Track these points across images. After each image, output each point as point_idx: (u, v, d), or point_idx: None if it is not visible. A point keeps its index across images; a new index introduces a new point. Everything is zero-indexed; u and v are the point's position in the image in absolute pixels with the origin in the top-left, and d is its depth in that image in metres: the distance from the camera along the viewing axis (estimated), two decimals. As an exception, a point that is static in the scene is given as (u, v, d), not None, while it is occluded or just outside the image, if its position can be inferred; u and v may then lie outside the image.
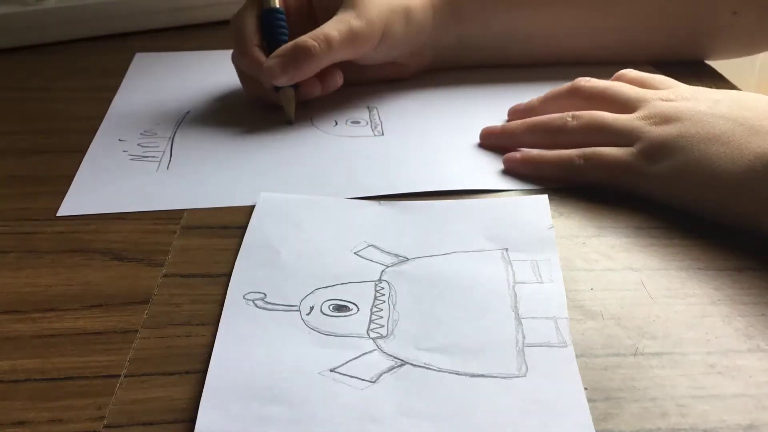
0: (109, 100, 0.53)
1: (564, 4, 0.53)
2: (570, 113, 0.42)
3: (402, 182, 0.42)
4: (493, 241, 0.36)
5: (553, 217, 0.39)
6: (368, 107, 0.51)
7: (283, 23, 0.49)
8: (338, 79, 0.50)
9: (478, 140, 0.47)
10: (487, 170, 0.43)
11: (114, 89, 0.55)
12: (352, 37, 0.46)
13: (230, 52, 0.62)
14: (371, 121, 0.50)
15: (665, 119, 0.39)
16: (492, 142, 0.45)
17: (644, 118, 0.40)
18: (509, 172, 0.43)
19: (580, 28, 0.54)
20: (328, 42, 0.46)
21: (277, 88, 0.48)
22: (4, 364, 0.30)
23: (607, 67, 0.49)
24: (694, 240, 0.37)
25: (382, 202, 0.40)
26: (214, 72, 0.58)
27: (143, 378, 0.29)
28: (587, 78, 0.45)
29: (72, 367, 0.29)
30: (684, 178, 0.37)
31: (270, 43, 0.48)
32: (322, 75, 0.49)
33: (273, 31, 0.48)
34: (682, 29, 0.55)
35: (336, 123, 0.49)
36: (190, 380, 0.29)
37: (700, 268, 0.35)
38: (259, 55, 0.47)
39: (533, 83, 0.54)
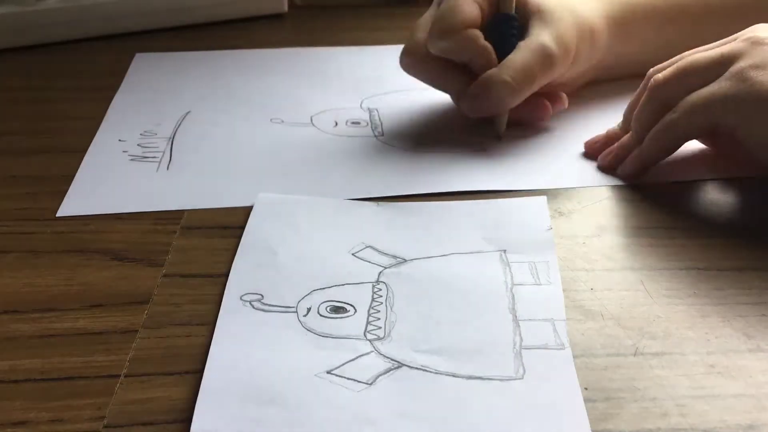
0: (109, 100, 0.53)
1: (708, 22, 0.51)
2: (659, 72, 0.40)
3: (400, 183, 0.42)
4: (491, 242, 0.36)
5: (552, 217, 0.39)
6: (368, 108, 0.51)
7: (515, 32, 0.45)
8: (564, 102, 0.47)
9: (477, 140, 0.47)
10: (486, 171, 0.43)
11: (114, 89, 0.55)
12: (548, 63, 0.43)
13: (230, 52, 0.62)
14: (371, 121, 0.50)
15: (763, 41, 0.37)
16: (612, 157, 0.43)
17: (746, 39, 0.38)
18: (627, 178, 0.41)
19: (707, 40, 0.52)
20: (525, 76, 0.43)
21: None
22: (4, 364, 0.30)
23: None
24: (694, 240, 0.37)
25: (380, 203, 0.40)
26: (214, 72, 0.58)
27: (143, 378, 0.29)
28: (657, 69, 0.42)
29: (72, 367, 0.29)
30: None
31: (499, 49, 0.44)
32: (550, 97, 0.47)
33: (504, 38, 0.44)
34: None
35: (336, 123, 0.49)
36: (189, 380, 0.29)
37: (700, 268, 0.35)
38: (488, 44, 0.43)
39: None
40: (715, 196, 0.41)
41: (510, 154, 0.45)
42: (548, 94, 0.47)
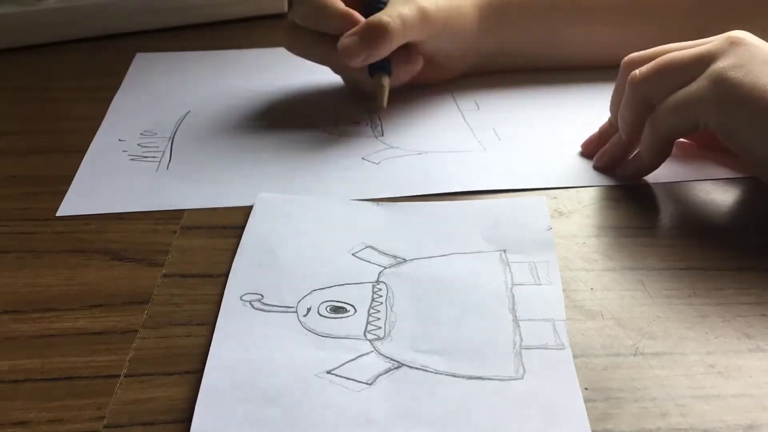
0: (109, 100, 0.53)
1: (600, 15, 0.53)
2: (637, 69, 0.40)
3: (400, 183, 0.42)
4: (491, 242, 0.36)
5: (552, 217, 0.39)
6: (368, 108, 0.51)
7: (382, 6, 0.47)
8: (420, 61, 0.49)
9: (476, 140, 0.47)
10: (486, 171, 0.43)
11: (114, 89, 0.55)
12: (424, 16, 0.46)
13: (230, 52, 0.62)
14: (371, 121, 0.50)
15: (747, 42, 0.37)
16: (607, 158, 0.43)
17: (725, 39, 0.38)
18: (625, 180, 0.41)
19: (614, 39, 0.53)
20: (402, 19, 0.45)
21: (371, 74, 0.47)
22: (4, 364, 0.30)
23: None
24: (694, 240, 0.37)
25: (380, 203, 0.40)
26: (214, 72, 0.58)
27: (143, 378, 0.29)
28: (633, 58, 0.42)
29: (72, 367, 0.29)
30: (762, 102, 0.35)
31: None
32: (405, 59, 0.48)
33: (371, 10, 0.46)
34: None
35: (336, 123, 0.49)
36: (189, 380, 0.29)
37: (700, 268, 0.35)
38: (349, 9, 0.46)
39: (528, 82, 0.54)
40: (715, 196, 0.41)
41: (510, 154, 0.45)
42: (404, 57, 0.48)
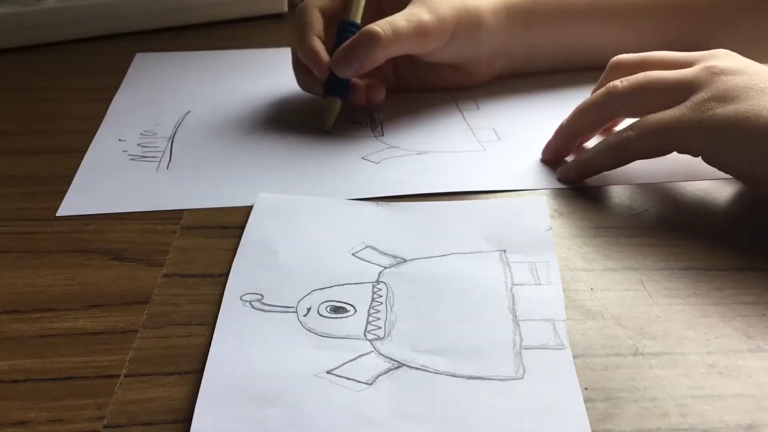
0: (109, 100, 0.53)
1: (623, 19, 0.53)
2: (618, 79, 0.41)
3: (400, 183, 0.42)
4: (491, 242, 0.36)
5: (552, 217, 0.39)
6: (368, 108, 0.51)
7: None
8: (383, 93, 0.49)
9: (476, 140, 0.47)
10: (486, 171, 0.43)
11: (114, 89, 0.55)
12: (421, 29, 0.46)
13: (230, 52, 0.62)
14: (371, 121, 0.50)
15: (729, 71, 0.38)
16: (552, 150, 0.44)
17: (705, 69, 0.39)
18: (568, 182, 0.41)
19: (630, 41, 0.53)
20: (394, 30, 0.45)
21: (325, 93, 0.48)
22: (4, 364, 0.30)
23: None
24: (694, 240, 0.37)
25: (380, 203, 0.40)
26: (214, 72, 0.58)
27: (143, 378, 0.29)
28: (626, 54, 0.43)
29: (72, 367, 0.29)
30: (748, 127, 0.35)
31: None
32: (369, 86, 0.49)
33: (343, 40, 0.47)
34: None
35: (336, 123, 0.49)
36: (189, 380, 0.29)
37: (700, 268, 0.35)
38: (318, 45, 0.47)
39: (528, 82, 0.54)
40: (715, 196, 0.41)
41: (510, 154, 0.45)
42: (371, 84, 0.49)
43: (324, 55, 0.47)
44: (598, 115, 0.42)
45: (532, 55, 0.54)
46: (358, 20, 0.48)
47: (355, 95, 0.49)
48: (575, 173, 0.42)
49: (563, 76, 0.55)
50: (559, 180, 0.42)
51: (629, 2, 0.53)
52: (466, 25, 0.48)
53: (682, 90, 0.38)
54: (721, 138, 0.36)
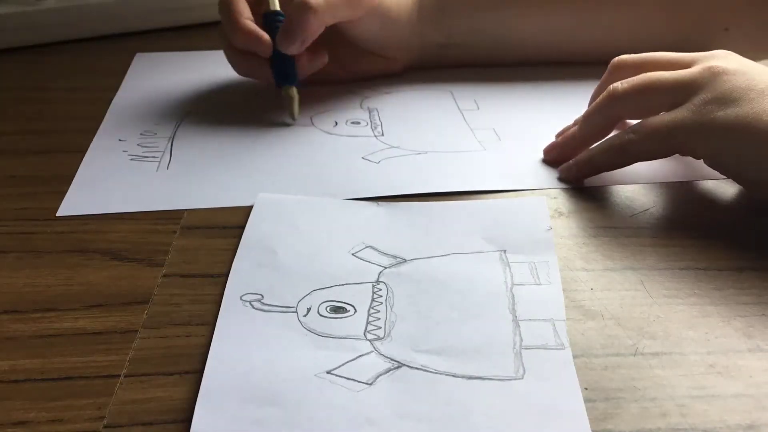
0: (109, 100, 0.53)
1: (554, 4, 0.53)
2: (619, 81, 0.41)
3: (400, 183, 0.42)
4: (491, 242, 0.36)
5: (552, 217, 0.39)
6: (368, 108, 0.51)
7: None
8: (325, 57, 0.50)
9: (476, 140, 0.47)
10: (486, 171, 0.43)
11: (114, 89, 0.55)
12: None
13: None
14: (371, 121, 0.50)
15: (730, 72, 0.38)
16: (556, 153, 0.44)
17: (706, 69, 0.38)
18: (568, 181, 0.42)
19: (569, 30, 0.54)
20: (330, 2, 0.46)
21: (279, 86, 0.49)
22: (4, 364, 0.30)
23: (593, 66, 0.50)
24: (694, 240, 0.37)
25: (380, 203, 0.40)
26: (214, 72, 0.58)
27: (143, 378, 0.29)
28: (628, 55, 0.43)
29: (72, 367, 0.29)
30: (751, 130, 0.35)
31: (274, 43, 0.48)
32: (310, 55, 0.49)
33: (275, 30, 0.48)
34: (673, 42, 0.54)
35: (336, 123, 0.49)
36: (189, 380, 0.29)
37: (700, 268, 0.35)
38: (253, 26, 0.47)
39: (528, 82, 0.54)
40: (715, 196, 0.41)
41: (510, 154, 0.45)
42: (310, 51, 0.49)
43: (263, 33, 0.47)
44: (603, 121, 0.42)
45: (453, 43, 0.54)
46: (278, 8, 0.49)
47: (300, 69, 0.49)
48: (576, 173, 0.42)
49: (563, 76, 0.55)
50: (560, 179, 0.42)
51: None
52: (391, 3, 0.49)
53: (683, 90, 0.38)
54: (722, 141, 0.36)
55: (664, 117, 0.38)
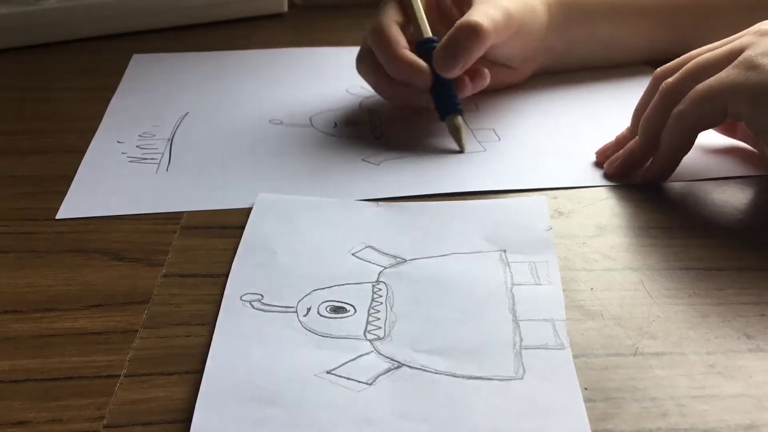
0: (109, 101, 0.53)
1: (653, 18, 0.54)
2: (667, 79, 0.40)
3: (400, 183, 0.42)
4: (491, 242, 0.36)
5: (552, 217, 0.39)
6: (368, 109, 0.51)
7: None
8: (488, 75, 0.47)
9: (476, 140, 0.47)
10: (486, 171, 0.43)
11: (115, 89, 0.55)
12: (509, 17, 0.45)
13: (230, 52, 0.62)
14: (371, 123, 0.50)
15: None
16: (626, 167, 0.42)
17: (753, 32, 0.38)
18: (642, 182, 0.41)
19: (656, 39, 0.55)
20: (492, 19, 0.44)
21: (442, 117, 0.46)
22: (4, 364, 0.30)
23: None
24: (694, 240, 0.37)
25: (380, 203, 0.40)
26: (213, 73, 0.58)
27: (143, 378, 0.29)
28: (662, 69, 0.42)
29: (72, 367, 0.29)
30: None
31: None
32: (471, 73, 0.47)
33: (430, 59, 0.45)
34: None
35: (336, 124, 0.49)
36: (189, 380, 0.29)
37: (700, 268, 0.35)
38: (412, 56, 0.45)
39: (528, 82, 0.54)
40: (715, 196, 0.41)
41: (510, 154, 0.45)
42: (471, 71, 0.47)
43: (422, 62, 0.45)
44: (664, 118, 0.40)
45: (571, 50, 0.54)
46: (431, 35, 0.47)
47: (462, 92, 0.46)
48: (656, 172, 0.41)
49: (563, 76, 0.55)
50: (609, 177, 0.42)
51: (662, 2, 0.54)
52: (529, 18, 0.48)
53: (730, 57, 0.38)
54: (765, 95, 0.35)
55: (710, 80, 0.37)
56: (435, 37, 0.46)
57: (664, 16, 0.54)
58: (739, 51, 0.38)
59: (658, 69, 0.42)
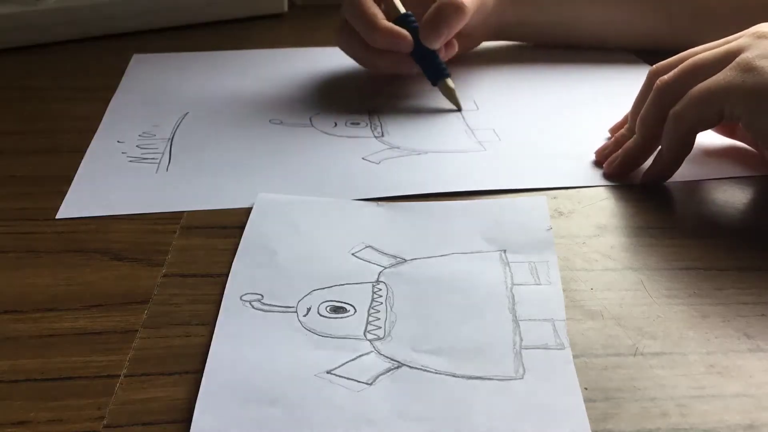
0: (109, 101, 0.53)
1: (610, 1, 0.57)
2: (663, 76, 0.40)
3: (400, 183, 0.42)
4: (491, 242, 0.36)
5: (552, 217, 0.39)
6: (368, 109, 0.51)
7: (416, 25, 0.50)
8: (455, 45, 0.52)
9: (476, 140, 0.47)
10: (486, 171, 0.43)
11: (114, 89, 0.55)
12: None
13: (230, 52, 0.62)
14: (371, 122, 0.50)
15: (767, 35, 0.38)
16: (624, 167, 0.42)
17: (750, 34, 0.39)
18: (643, 181, 0.41)
19: (627, 21, 0.57)
20: None
21: (434, 82, 0.50)
22: (4, 364, 0.30)
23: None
24: (694, 240, 0.37)
25: (380, 203, 0.40)
26: (213, 73, 0.58)
27: (143, 378, 0.29)
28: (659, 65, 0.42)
29: (72, 367, 0.29)
30: None
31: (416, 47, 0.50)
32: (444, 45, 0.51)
33: (412, 31, 0.50)
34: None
35: (336, 124, 0.49)
36: (189, 380, 0.29)
37: (700, 268, 0.35)
38: (391, 24, 0.49)
39: (528, 82, 0.54)
40: (715, 196, 0.41)
41: (510, 154, 0.45)
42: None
43: (403, 30, 0.49)
44: (660, 116, 0.40)
45: (522, 24, 0.58)
46: (405, 11, 0.51)
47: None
48: (656, 174, 0.41)
49: (563, 77, 0.55)
50: (608, 177, 0.42)
51: None
52: None
53: (727, 58, 0.38)
54: (757, 103, 0.36)
55: (707, 81, 0.38)
56: (411, 13, 0.51)
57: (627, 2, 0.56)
58: (736, 52, 0.38)
59: (654, 66, 0.42)
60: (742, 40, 0.39)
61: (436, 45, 0.49)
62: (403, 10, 0.51)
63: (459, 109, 0.50)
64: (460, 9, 0.48)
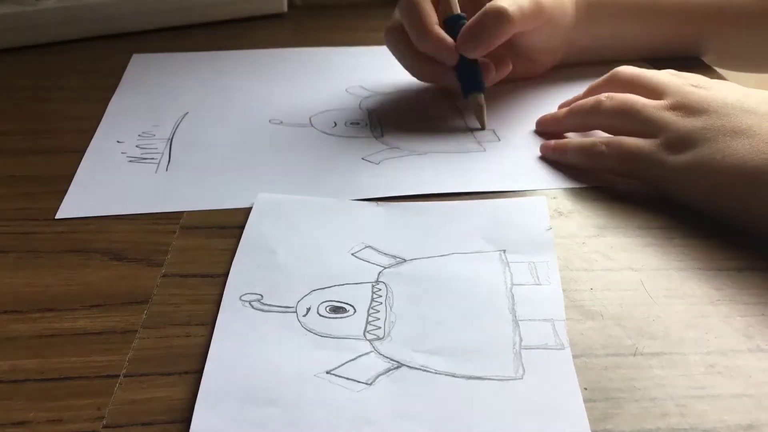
0: (109, 100, 0.53)
1: (659, 17, 0.55)
2: (607, 94, 0.43)
3: (400, 183, 0.42)
4: (491, 242, 0.36)
5: (552, 217, 0.39)
6: (368, 109, 0.51)
7: None
8: (510, 64, 0.50)
9: (476, 140, 0.47)
10: (486, 172, 0.43)
11: (113, 89, 0.55)
12: (539, 6, 0.47)
13: (230, 52, 0.62)
14: (371, 122, 0.50)
15: (692, 111, 0.39)
16: (543, 128, 0.47)
17: (671, 107, 0.40)
18: (544, 159, 0.44)
19: (655, 36, 0.56)
20: (519, 6, 0.45)
21: (466, 94, 0.48)
22: (3, 364, 0.30)
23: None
24: (694, 240, 0.37)
25: (380, 203, 0.40)
26: (213, 72, 0.58)
27: (142, 378, 0.29)
28: (626, 66, 0.45)
29: (71, 367, 0.29)
30: (706, 171, 0.37)
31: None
32: (496, 60, 0.49)
33: (456, 26, 0.47)
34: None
35: (335, 124, 0.49)
36: (189, 380, 0.29)
37: (700, 268, 0.35)
38: (442, 32, 0.46)
39: (527, 82, 0.54)
40: (715, 196, 0.41)
41: (510, 154, 0.45)
42: (496, 59, 0.49)
43: (450, 40, 0.46)
44: (582, 124, 0.45)
45: (592, 46, 0.55)
46: (460, 12, 0.48)
47: (487, 77, 0.48)
48: (551, 155, 0.44)
49: (562, 77, 0.55)
50: (542, 155, 0.44)
51: (681, 4, 0.55)
52: (559, 12, 0.50)
53: (651, 126, 0.40)
54: (677, 182, 0.38)
55: (635, 143, 0.40)
56: (464, 14, 0.48)
57: (679, 16, 0.55)
58: (658, 125, 0.39)
59: (615, 69, 0.45)
60: (668, 114, 0.40)
61: (473, 54, 0.46)
62: (457, 10, 0.48)
63: (482, 128, 0.47)
64: (502, 17, 0.45)
